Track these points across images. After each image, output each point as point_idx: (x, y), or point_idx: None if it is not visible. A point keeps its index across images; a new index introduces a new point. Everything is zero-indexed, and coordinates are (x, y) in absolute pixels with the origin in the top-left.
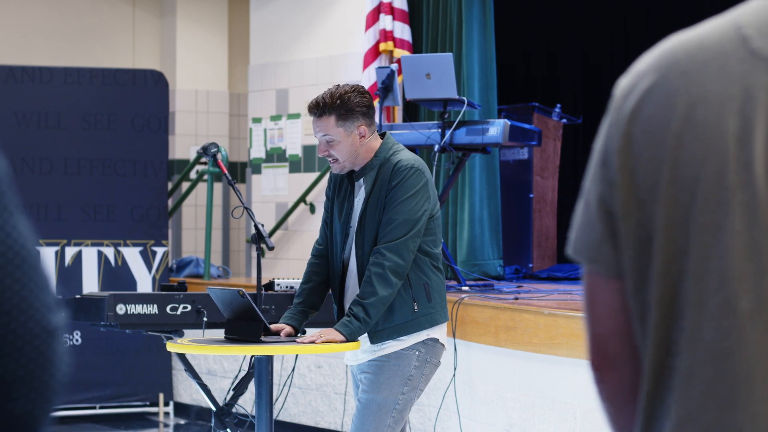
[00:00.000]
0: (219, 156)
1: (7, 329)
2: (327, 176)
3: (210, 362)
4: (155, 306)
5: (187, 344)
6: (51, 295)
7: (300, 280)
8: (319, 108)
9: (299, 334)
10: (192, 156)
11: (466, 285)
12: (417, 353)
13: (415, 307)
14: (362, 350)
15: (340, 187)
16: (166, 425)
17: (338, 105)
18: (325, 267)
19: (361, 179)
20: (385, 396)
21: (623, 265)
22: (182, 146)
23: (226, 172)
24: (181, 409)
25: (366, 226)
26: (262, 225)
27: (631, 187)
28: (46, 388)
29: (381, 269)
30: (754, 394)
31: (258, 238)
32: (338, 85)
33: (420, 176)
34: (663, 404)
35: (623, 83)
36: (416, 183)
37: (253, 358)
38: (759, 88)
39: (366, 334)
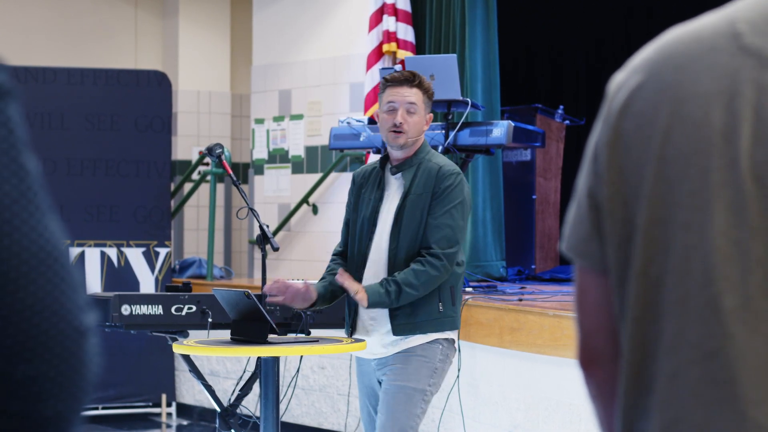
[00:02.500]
0: (223, 157)
1: (39, 330)
2: (330, 177)
3: (213, 363)
4: (160, 307)
5: (193, 345)
6: (82, 295)
7: (303, 281)
8: (416, 79)
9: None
10: (194, 157)
11: (469, 286)
12: (440, 347)
13: (440, 308)
14: (382, 345)
15: (367, 182)
16: (168, 426)
17: (426, 87)
18: (345, 263)
19: (399, 174)
20: (414, 385)
21: (610, 260)
22: (184, 147)
23: (231, 173)
24: (183, 410)
25: (404, 221)
26: (267, 226)
27: (617, 183)
28: (77, 388)
29: (435, 271)
30: (741, 394)
31: (263, 239)
32: None
33: (465, 184)
34: (643, 407)
35: (617, 78)
36: (463, 191)
37: (259, 359)
38: (747, 84)
39: (389, 325)
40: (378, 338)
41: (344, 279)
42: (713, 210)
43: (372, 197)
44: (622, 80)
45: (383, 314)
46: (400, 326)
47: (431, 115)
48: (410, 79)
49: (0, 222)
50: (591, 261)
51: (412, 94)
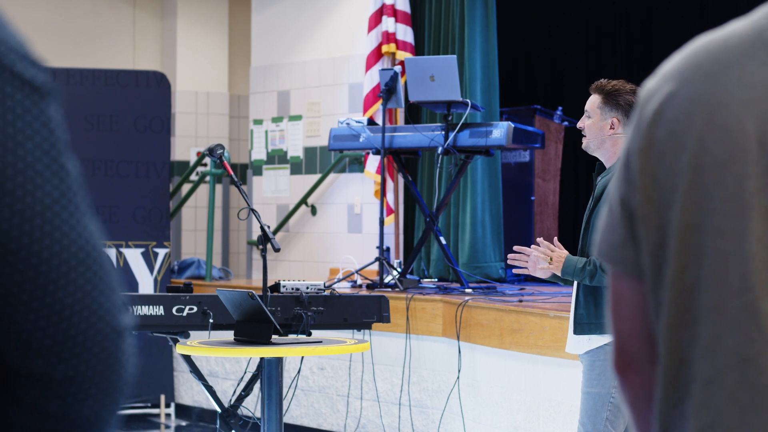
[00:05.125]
0: (224, 158)
1: (78, 330)
2: (329, 178)
3: (212, 364)
4: (161, 307)
5: (197, 346)
6: (119, 295)
7: (306, 282)
8: (594, 87)
9: None
10: (192, 157)
11: (469, 287)
12: None
13: None
14: (572, 343)
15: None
16: (167, 427)
17: (608, 90)
18: None
19: (598, 179)
20: (598, 390)
21: (644, 265)
22: (182, 148)
23: (233, 173)
24: (182, 411)
25: (592, 225)
26: (269, 226)
27: (650, 189)
28: (114, 389)
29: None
30: None
31: (264, 240)
32: (626, 82)
33: None
34: (679, 412)
35: (648, 86)
36: None
37: (261, 360)
38: None
39: (571, 323)
40: (570, 333)
41: (557, 245)
42: (749, 216)
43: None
44: (653, 88)
45: (572, 311)
46: (581, 325)
47: (616, 118)
48: (591, 87)
49: (41, 222)
50: (625, 266)
51: (588, 101)
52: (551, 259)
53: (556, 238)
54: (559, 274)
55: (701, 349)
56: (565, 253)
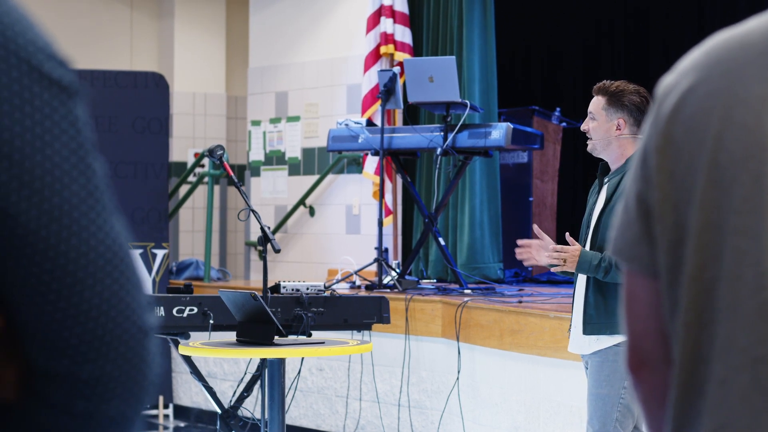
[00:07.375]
0: (224, 158)
1: (105, 330)
2: (327, 179)
3: (210, 365)
4: (161, 308)
5: (201, 347)
6: (145, 295)
7: (305, 283)
8: (598, 88)
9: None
10: (189, 158)
11: (467, 288)
12: None
13: None
14: (579, 342)
15: (595, 188)
16: (165, 428)
17: (612, 91)
18: None
19: (608, 183)
20: (607, 391)
21: (660, 264)
22: (179, 149)
23: (233, 174)
24: (181, 412)
25: (601, 228)
26: (269, 227)
27: (667, 187)
28: (140, 388)
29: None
30: None
31: (264, 240)
32: (629, 82)
33: None
34: (694, 411)
35: (666, 81)
36: None
37: (265, 361)
38: None
39: (576, 322)
40: (577, 333)
41: (570, 239)
42: (766, 215)
43: (591, 202)
44: (671, 84)
45: (580, 311)
46: (591, 325)
47: (622, 119)
48: (594, 89)
49: (68, 221)
50: (640, 264)
51: (592, 103)
52: (565, 261)
53: (567, 234)
54: (573, 271)
55: (717, 349)
56: (577, 249)
